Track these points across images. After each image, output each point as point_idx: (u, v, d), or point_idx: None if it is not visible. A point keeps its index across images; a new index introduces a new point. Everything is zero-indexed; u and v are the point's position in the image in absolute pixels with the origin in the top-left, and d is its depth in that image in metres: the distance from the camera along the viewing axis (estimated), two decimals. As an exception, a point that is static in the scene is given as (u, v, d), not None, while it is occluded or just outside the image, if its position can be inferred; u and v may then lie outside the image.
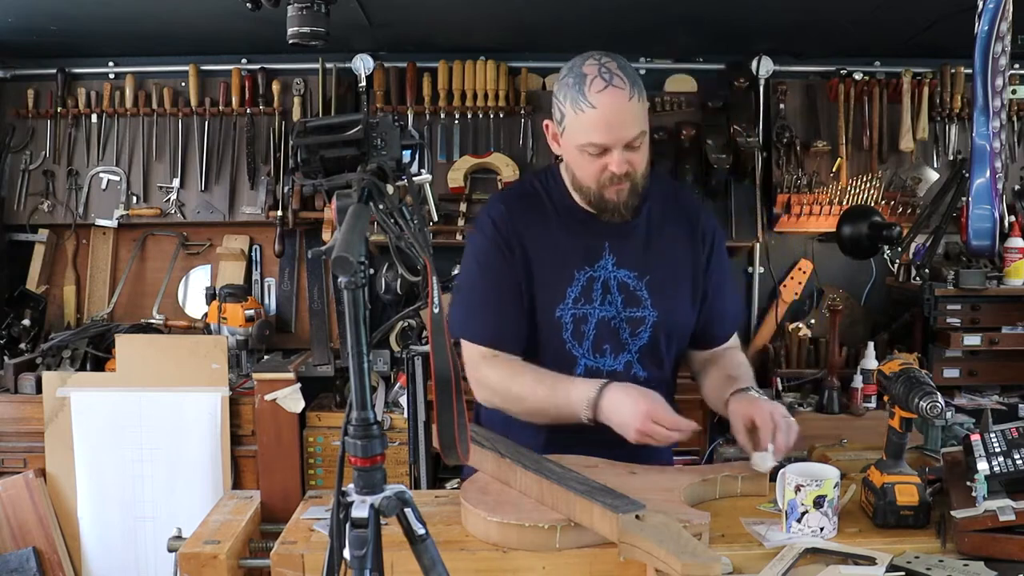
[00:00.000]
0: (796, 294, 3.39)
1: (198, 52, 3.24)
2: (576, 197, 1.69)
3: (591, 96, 1.52)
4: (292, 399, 2.86)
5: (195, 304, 3.40)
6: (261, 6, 1.70)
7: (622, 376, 1.66)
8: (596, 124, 1.52)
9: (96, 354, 3.04)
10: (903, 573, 1.24)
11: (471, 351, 1.68)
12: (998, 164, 1.99)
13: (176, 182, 3.28)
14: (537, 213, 1.69)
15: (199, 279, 3.43)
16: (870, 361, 2.93)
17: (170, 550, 1.73)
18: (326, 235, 3.23)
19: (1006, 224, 3.03)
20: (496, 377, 1.64)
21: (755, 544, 1.35)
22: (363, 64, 3.17)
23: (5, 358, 3.03)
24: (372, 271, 3.22)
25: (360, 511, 1.05)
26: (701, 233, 1.73)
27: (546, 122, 1.67)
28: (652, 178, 1.67)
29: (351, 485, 1.08)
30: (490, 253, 1.67)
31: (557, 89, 1.60)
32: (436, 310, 1.11)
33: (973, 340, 2.99)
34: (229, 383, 2.88)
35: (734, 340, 1.84)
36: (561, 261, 1.65)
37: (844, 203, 3.20)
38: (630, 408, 1.48)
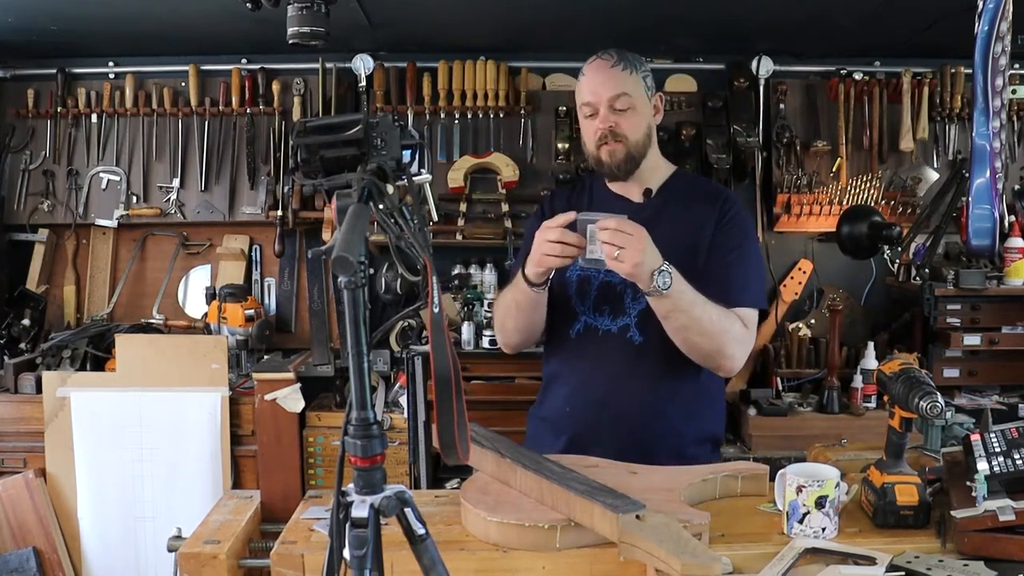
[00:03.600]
0: (796, 294, 3.39)
1: (198, 52, 3.24)
2: (608, 183, 1.93)
3: (584, 68, 1.85)
4: (292, 399, 2.86)
5: (195, 304, 3.40)
6: (261, 6, 1.70)
7: (616, 338, 1.81)
8: (584, 86, 1.84)
9: (96, 354, 3.04)
10: (903, 573, 1.24)
11: None
12: (998, 164, 1.98)
13: (176, 182, 3.28)
14: (575, 196, 1.97)
15: (199, 279, 3.43)
16: (870, 361, 2.93)
17: (170, 550, 1.73)
18: (326, 235, 3.23)
19: (1006, 224, 3.03)
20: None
21: (755, 544, 1.35)
22: (363, 64, 3.17)
23: (5, 358, 3.03)
24: (372, 271, 3.22)
25: (360, 511, 1.05)
26: (719, 212, 1.83)
27: None
28: (682, 172, 1.96)
29: (351, 485, 1.08)
30: (531, 228, 1.90)
31: None
32: (436, 310, 1.11)
33: (973, 340, 2.99)
34: (229, 383, 2.88)
35: (751, 314, 1.78)
36: None
37: (844, 203, 3.20)
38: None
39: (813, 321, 3.30)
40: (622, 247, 1.55)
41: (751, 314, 1.78)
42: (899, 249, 3.15)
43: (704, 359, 1.73)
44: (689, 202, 1.86)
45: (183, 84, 3.29)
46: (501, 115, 3.25)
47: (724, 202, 1.85)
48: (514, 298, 1.80)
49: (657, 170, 1.91)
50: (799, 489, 1.35)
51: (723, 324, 1.69)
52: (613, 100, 1.79)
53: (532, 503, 1.41)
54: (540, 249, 1.65)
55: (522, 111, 3.24)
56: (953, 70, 3.22)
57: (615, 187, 1.91)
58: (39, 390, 2.88)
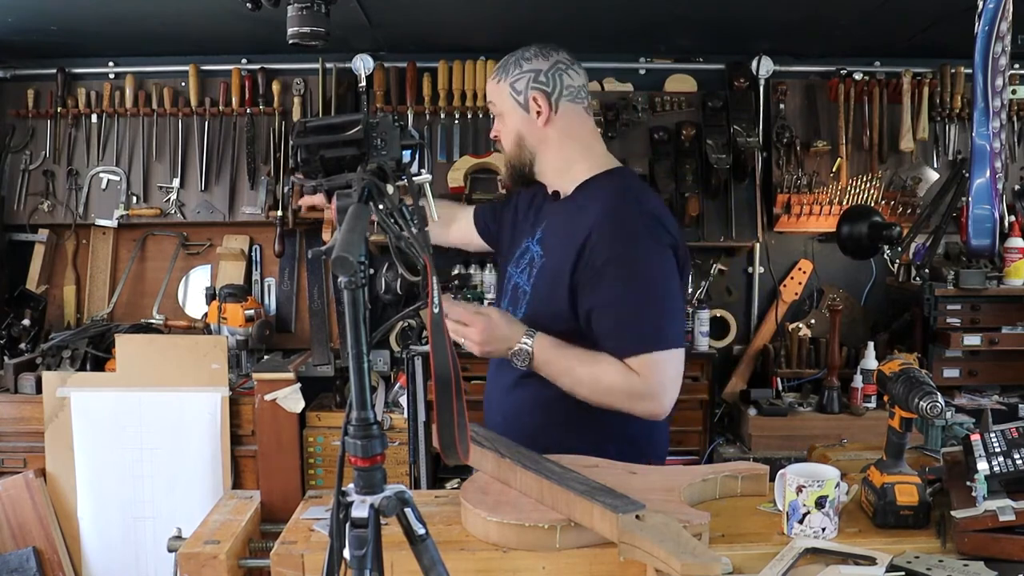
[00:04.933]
0: (796, 294, 3.39)
1: (198, 52, 3.24)
2: None
3: None
4: (292, 399, 2.86)
5: (195, 304, 3.40)
6: (261, 6, 1.70)
7: None
8: None
9: (96, 354, 3.04)
10: (903, 573, 1.24)
11: None
12: (998, 164, 1.99)
13: (176, 182, 3.28)
14: (535, 193, 1.89)
15: (199, 279, 3.43)
16: (870, 361, 2.93)
17: (170, 550, 1.73)
18: (326, 235, 3.23)
19: (1006, 224, 3.03)
20: None
21: (755, 544, 1.35)
22: (363, 64, 3.17)
23: (5, 358, 3.03)
24: (372, 271, 3.22)
25: (360, 511, 1.05)
26: (583, 242, 1.64)
27: None
28: (602, 177, 1.74)
29: (351, 485, 1.08)
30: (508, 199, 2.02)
31: None
32: (436, 310, 1.11)
33: (973, 340, 2.99)
34: (229, 383, 2.88)
35: (647, 359, 1.59)
36: (522, 230, 1.87)
37: (844, 203, 3.20)
38: None
39: (813, 321, 3.31)
40: (463, 337, 1.62)
41: (645, 361, 1.58)
42: (899, 249, 3.16)
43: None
44: (576, 216, 1.70)
45: (183, 84, 3.29)
46: (501, 115, 3.25)
47: (593, 229, 1.63)
48: None
49: (566, 172, 1.76)
50: (799, 489, 1.35)
51: (603, 388, 1.60)
52: (491, 110, 1.81)
53: (532, 503, 1.41)
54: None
55: (522, 111, 3.24)
56: (953, 70, 3.22)
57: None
58: (39, 390, 2.88)
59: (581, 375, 1.62)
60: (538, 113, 1.73)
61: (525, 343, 1.62)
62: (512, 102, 1.75)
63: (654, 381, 1.59)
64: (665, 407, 1.61)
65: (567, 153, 1.76)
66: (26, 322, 3.17)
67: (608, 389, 1.61)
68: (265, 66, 3.28)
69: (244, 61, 3.31)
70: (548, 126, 1.73)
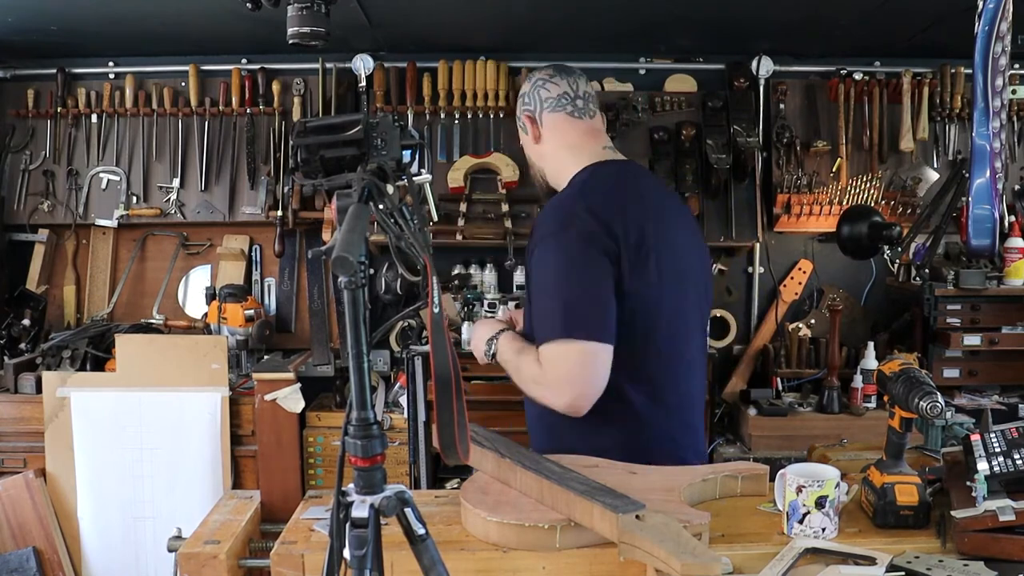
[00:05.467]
0: (796, 294, 3.39)
1: (198, 52, 3.24)
2: None
3: None
4: (292, 399, 2.86)
5: (195, 304, 3.40)
6: (261, 6, 1.71)
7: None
8: None
9: (96, 354, 3.04)
10: (903, 573, 1.24)
11: None
12: (998, 164, 1.99)
13: (176, 182, 3.28)
14: None
15: (199, 279, 3.43)
16: (870, 361, 2.93)
17: (170, 550, 1.74)
18: (326, 235, 3.23)
19: (1006, 224, 3.03)
20: None
21: (755, 544, 1.35)
22: (363, 64, 3.17)
23: (5, 358, 3.03)
24: (372, 271, 3.22)
25: (360, 511, 1.05)
26: (532, 244, 1.72)
27: None
28: (587, 168, 1.76)
29: (351, 485, 1.08)
30: None
31: None
32: (436, 310, 1.12)
33: (973, 340, 2.99)
34: (229, 383, 2.88)
35: (543, 350, 1.61)
36: None
37: (844, 203, 3.20)
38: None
39: (813, 321, 3.31)
40: None
41: (544, 350, 1.60)
42: (899, 249, 3.16)
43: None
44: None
45: (183, 84, 3.29)
46: (501, 115, 3.25)
47: (533, 228, 1.72)
48: None
49: (562, 176, 1.79)
50: (799, 489, 1.35)
51: (520, 377, 1.68)
52: None
53: (532, 503, 1.41)
54: None
55: (522, 111, 3.24)
56: (953, 70, 3.22)
57: None
58: (39, 390, 2.88)
59: (512, 366, 1.71)
60: (532, 138, 1.83)
61: (493, 340, 1.75)
62: (518, 126, 1.87)
63: (549, 371, 1.60)
64: (568, 401, 1.58)
65: (560, 160, 1.80)
66: (26, 322, 3.17)
67: (522, 378, 1.68)
68: (265, 66, 3.28)
69: (244, 61, 3.31)
70: (540, 143, 1.82)
